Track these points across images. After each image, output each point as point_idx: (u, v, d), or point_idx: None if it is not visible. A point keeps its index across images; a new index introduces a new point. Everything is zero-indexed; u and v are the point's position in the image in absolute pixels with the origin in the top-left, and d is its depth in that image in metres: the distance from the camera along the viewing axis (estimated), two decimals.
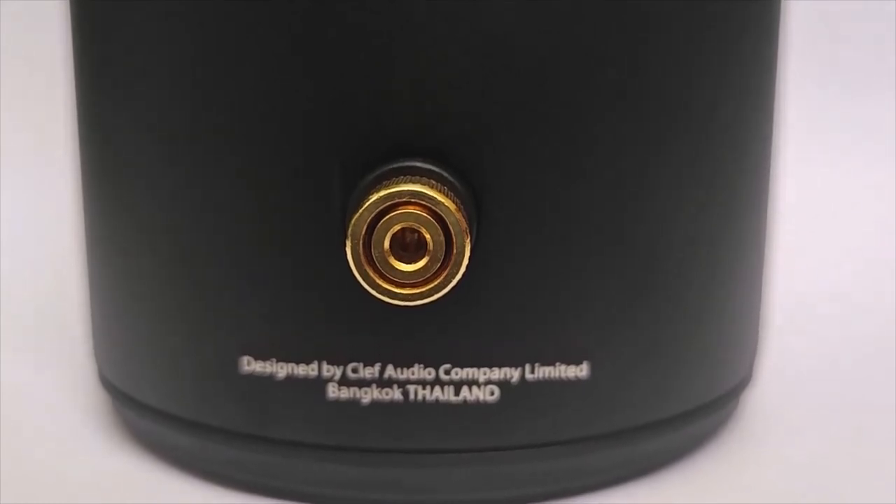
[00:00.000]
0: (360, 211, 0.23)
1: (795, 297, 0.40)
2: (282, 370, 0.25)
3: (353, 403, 0.25)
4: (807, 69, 0.47)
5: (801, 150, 0.46)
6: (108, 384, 0.30)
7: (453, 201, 0.23)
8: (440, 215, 0.23)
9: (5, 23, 0.48)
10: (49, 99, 0.45)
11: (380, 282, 0.23)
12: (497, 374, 0.25)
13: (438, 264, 0.23)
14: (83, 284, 0.31)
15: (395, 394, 0.25)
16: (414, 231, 0.23)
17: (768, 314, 0.32)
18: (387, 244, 0.23)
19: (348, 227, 0.23)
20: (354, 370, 0.25)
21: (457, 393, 0.25)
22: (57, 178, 0.44)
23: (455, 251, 0.23)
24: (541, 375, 0.25)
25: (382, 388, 0.25)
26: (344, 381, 0.25)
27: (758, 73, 0.28)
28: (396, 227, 0.23)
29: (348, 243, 0.23)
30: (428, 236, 0.23)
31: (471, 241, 0.23)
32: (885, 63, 0.49)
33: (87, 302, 0.31)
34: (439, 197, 0.23)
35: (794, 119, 0.43)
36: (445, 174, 0.24)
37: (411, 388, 0.25)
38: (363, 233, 0.23)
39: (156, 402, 0.27)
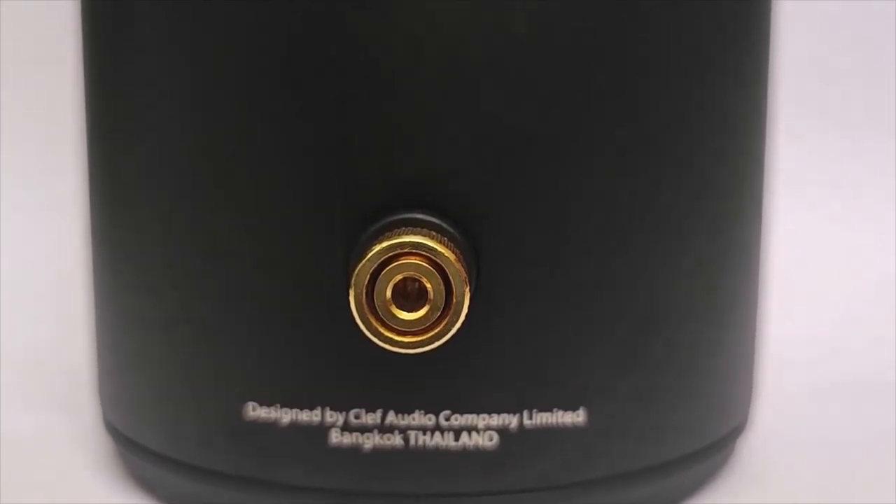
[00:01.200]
0: (364, 261, 0.23)
1: (790, 342, 0.41)
2: (286, 416, 0.26)
3: (356, 449, 0.26)
4: (795, 119, 0.48)
5: (792, 197, 0.46)
6: (112, 429, 0.30)
7: (453, 252, 0.24)
8: (440, 265, 0.24)
9: (15, 66, 0.49)
10: (59, 144, 0.46)
11: (382, 330, 0.24)
12: (496, 420, 0.26)
13: (439, 313, 0.24)
14: (90, 329, 0.31)
15: (396, 439, 0.26)
16: (415, 280, 0.24)
17: (763, 359, 0.33)
18: (389, 293, 0.24)
19: (352, 276, 0.24)
20: (357, 416, 0.26)
21: (456, 439, 0.26)
22: (65, 221, 0.45)
23: (455, 300, 0.24)
24: (539, 421, 0.26)
25: (384, 433, 0.26)
26: (346, 427, 0.26)
27: (750, 132, 0.29)
28: (398, 277, 0.24)
29: (352, 292, 0.24)
30: (429, 286, 0.24)
31: (470, 290, 0.24)
32: (871, 111, 0.49)
33: (92, 346, 0.31)
34: (439, 248, 0.24)
35: (785, 169, 0.44)
36: (445, 226, 0.24)
37: (412, 433, 0.26)
38: (366, 282, 0.24)
39: (160, 447, 0.28)
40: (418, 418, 0.26)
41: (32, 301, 0.45)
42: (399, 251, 0.24)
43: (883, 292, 0.46)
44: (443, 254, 0.24)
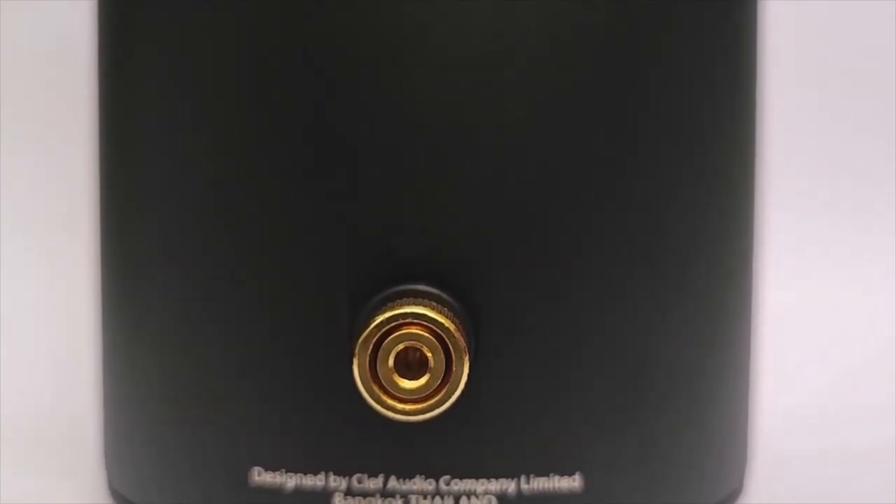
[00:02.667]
0: (367, 331, 0.24)
1: (783, 408, 0.41)
2: (290, 481, 0.27)
3: None
4: (787, 187, 0.49)
5: (784, 261, 0.47)
6: (117, 494, 0.30)
7: (453, 322, 0.25)
8: (441, 335, 0.24)
9: (27, 144, 0.49)
10: (70, 219, 0.46)
11: (384, 398, 0.25)
12: (494, 485, 0.26)
13: (439, 381, 0.25)
14: (96, 393, 0.32)
15: None
16: (416, 350, 0.25)
17: (757, 426, 0.33)
18: (391, 362, 0.25)
19: (355, 345, 0.25)
20: (359, 481, 0.26)
21: (456, 503, 0.26)
22: (71, 288, 0.45)
23: (454, 369, 0.25)
24: (536, 486, 0.27)
25: (386, 498, 0.26)
26: (350, 492, 0.26)
27: (740, 192, 0.29)
28: (400, 346, 0.25)
29: (355, 361, 0.25)
30: (429, 355, 0.25)
31: (469, 359, 0.25)
32: (867, 176, 0.50)
33: (98, 411, 0.31)
34: (440, 318, 0.24)
35: (780, 235, 0.44)
36: (445, 297, 0.25)
37: (413, 498, 0.26)
38: (369, 351, 0.24)
39: None
40: (419, 483, 0.26)
41: (37, 364, 0.45)
42: (401, 321, 0.24)
43: (879, 360, 0.46)
44: (443, 324, 0.24)
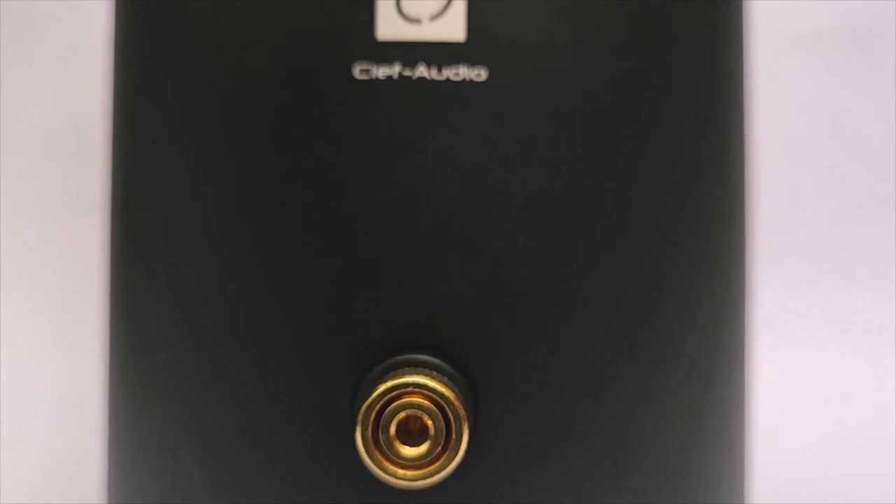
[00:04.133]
0: (370, 399, 0.25)
1: (775, 481, 0.41)
2: None
3: None
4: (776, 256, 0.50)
5: (775, 332, 0.48)
6: None
7: (453, 391, 0.26)
8: (441, 404, 0.25)
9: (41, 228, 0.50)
10: (83, 307, 0.47)
11: (386, 464, 0.25)
12: None
13: (439, 448, 0.26)
14: (100, 467, 0.32)
15: None
16: (417, 418, 0.26)
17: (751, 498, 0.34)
18: (393, 430, 0.25)
19: (358, 414, 0.25)
20: None
21: None
22: (80, 362, 0.46)
23: (454, 437, 0.25)
24: None
25: None
26: None
27: (730, 274, 0.30)
28: (402, 415, 0.25)
29: (358, 429, 0.25)
30: (430, 423, 0.25)
31: (468, 427, 0.26)
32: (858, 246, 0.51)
33: (102, 484, 0.32)
34: (440, 387, 0.25)
35: (773, 301, 0.45)
36: (446, 366, 0.26)
37: None
38: (372, 419, 0.25)
39: None
40: None
41: (44, 437, 0.45)
42: (402, 390, 0.25)
43: (873, 423, 0.47)
44: (443, 393, 0.25)
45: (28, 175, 0.50)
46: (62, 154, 0.50)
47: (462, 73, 0.26)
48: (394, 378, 0.26)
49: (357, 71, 0.26)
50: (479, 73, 0.26)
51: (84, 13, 0.48)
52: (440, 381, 0.26)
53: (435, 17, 0.26)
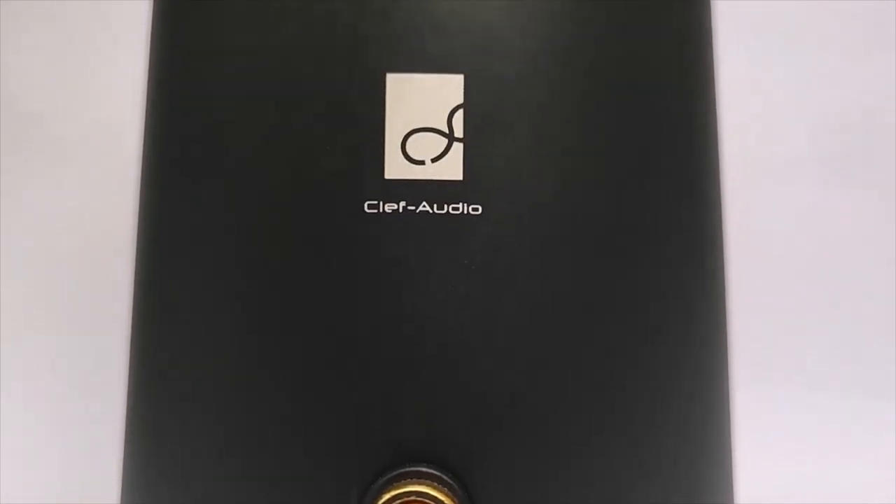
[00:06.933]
0: None
1: None
2: None
3: None
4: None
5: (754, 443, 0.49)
6: None
7: (452, 499, 0.28)
8: None
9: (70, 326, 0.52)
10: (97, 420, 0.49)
11: None
12: None
13: None
14: None
15: None
16: None
17: None
18: None
19: None
20: None
21: None
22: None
23: None
24: None
25: None
26: None
27: (713, 379, 0.33)
28: None
29: None
30: None
31: None
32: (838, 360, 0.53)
33: None
34: (440, 496, 0.28)
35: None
36: (445, 477, 0.28)
37: None
38: None
39: None
40: None
41: None
42: (405, 499, 0.27)
43: None
44: (443, 501, 0.27)
45: (51, 287, 0.51)
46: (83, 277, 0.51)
47: (460, 208, 0.29)
48: (397, 488, 0.28)
49: (366, 206, 0.29)
50: (475, 208, 0.29)
51: (109, 148, 0.51)
52: (441, 491, 0.28)
53: (436, 159, 0.29)
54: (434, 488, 0.28)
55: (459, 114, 0.29)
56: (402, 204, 0.29)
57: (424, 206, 0.29)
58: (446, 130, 0.29)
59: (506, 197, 0.29)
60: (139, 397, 0.33)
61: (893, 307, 0.54)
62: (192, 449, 0.30)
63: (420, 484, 0.28)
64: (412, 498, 0.27)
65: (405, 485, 0.28)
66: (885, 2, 0.55)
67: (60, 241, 0.51)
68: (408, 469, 0.28)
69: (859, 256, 0.54)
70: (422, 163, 0.29)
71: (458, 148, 0.29)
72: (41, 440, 0.50)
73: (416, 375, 0.29)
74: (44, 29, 0.53)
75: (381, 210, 0.29)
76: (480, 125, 0.29)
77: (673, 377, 0.31)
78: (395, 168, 0.29)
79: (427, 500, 0.27)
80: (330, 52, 0.29)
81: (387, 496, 0.27)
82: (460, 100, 0.29)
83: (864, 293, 0.54)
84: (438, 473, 0.28)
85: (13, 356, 0.51)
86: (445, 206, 0.29)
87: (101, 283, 0.50)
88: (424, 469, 0.28)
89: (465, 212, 0.29)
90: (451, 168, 0.29)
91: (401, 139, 0.29)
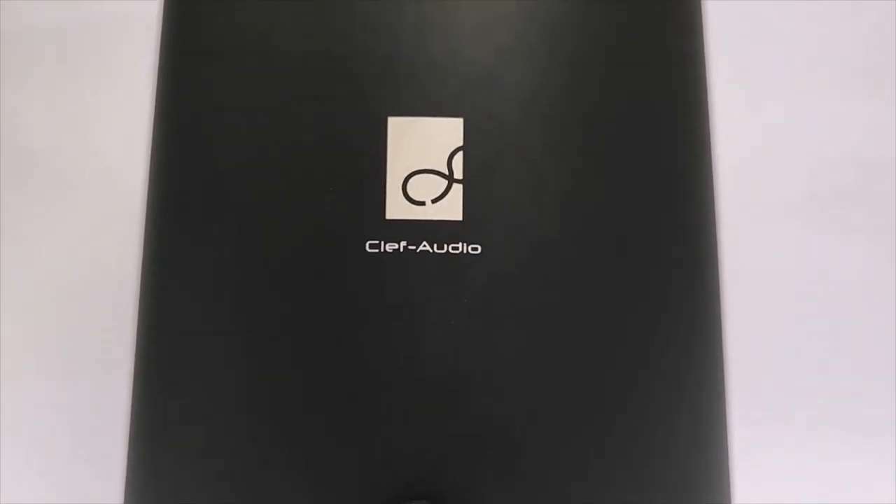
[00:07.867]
0: None
1: None
2: None
3: None
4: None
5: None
6: None
7: None
8: None
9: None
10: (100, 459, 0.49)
11: None
12: None
13: None
14: None
15: None
16: None
17: None
18: None
19: None
20: None
21: None
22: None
23: None
24: None
25: None
26: None
27: (711, 414, 0.33)
28: None
29: None
30: None
31: None
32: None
33: None
34: None
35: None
36: None
37: None
38: None
39: None
40: None
41: None
42: None
43: None
44: None
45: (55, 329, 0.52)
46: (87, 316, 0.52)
47: (460, 248, 0.29)
48: None
49: (368, 246, 0.29)
50: (474, 248, 0.29)
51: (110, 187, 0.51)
52: None
53: (436, 199, 0.29)
54: None
55: (459, 156, 0.29)
56: (403, 244, 0.29)
57: (425, 246, 0.29)
58: (446, 172, 0.29)
59: (504, 237, 0.29)
60: (140, 424, 0.33)
61: (891, 349, 0.54)
62: (195, 482, 0.31)
63: None
64: None
65: None
66: (881, 45, 0.56)
67: (61, 277, 0.51)
68: None
69: (857, 298, 0.54)
70: (422, 203, 0.29)
71: (457, 189, 0.29)
72: (44, 446, 0.50)
73: (416, 412, 0.29)
74: (47, 70, 0.54)
75: (382, 249, 0.29)
76: (480, 167, 0.29)
77: (668, 421, 0.31)
78: (397, 208, 0.29)
79: None
80: (333, 96, 0.30)
81: None
82: (460, 142, 0.29)
83: (861, 336, 0.54)
84: None
85: (13, 397, 0.51)
86: (445, 246, 0.29)
87: (102, 320, 0.51)
88: None
89: (465, 251, 0.29)
90: (451, 208, 0.29)
91: (402, 180, 0.29)
